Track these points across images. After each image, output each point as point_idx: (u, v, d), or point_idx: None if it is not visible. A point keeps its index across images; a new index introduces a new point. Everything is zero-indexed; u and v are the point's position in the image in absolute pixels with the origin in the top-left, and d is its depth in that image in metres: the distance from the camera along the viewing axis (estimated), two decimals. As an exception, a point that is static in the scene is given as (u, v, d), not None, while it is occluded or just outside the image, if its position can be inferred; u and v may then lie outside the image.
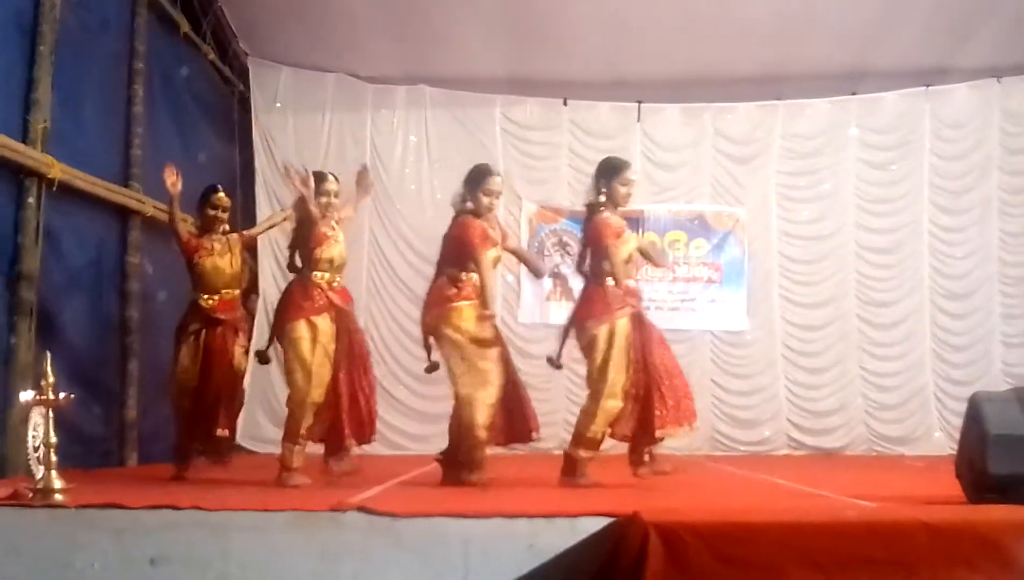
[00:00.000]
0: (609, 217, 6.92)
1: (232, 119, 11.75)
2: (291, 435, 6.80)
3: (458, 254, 6.94)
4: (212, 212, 7.70)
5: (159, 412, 9.51)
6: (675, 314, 11.53)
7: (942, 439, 11.28)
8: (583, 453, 6.78)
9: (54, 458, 4.83)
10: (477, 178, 7.01)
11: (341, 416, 6.86)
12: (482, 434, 6.72)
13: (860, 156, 12.02)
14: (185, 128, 10.43)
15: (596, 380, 6.81)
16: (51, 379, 4.89)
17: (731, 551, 4.06)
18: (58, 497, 4.68)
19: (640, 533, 4.03)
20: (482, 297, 6.87)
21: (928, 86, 11.92)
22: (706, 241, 12.01)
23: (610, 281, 6.84)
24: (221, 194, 7.74)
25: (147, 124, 9.35)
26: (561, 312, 11.77)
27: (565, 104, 12.10)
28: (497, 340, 6.98)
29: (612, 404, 6.73)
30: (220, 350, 7.65)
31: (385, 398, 11.34)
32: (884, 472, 7.48)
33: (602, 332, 6.76)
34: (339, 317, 6.95)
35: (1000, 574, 4.10)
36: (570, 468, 6.79)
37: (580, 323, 6.94)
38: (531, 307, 11.89)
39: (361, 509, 4.36)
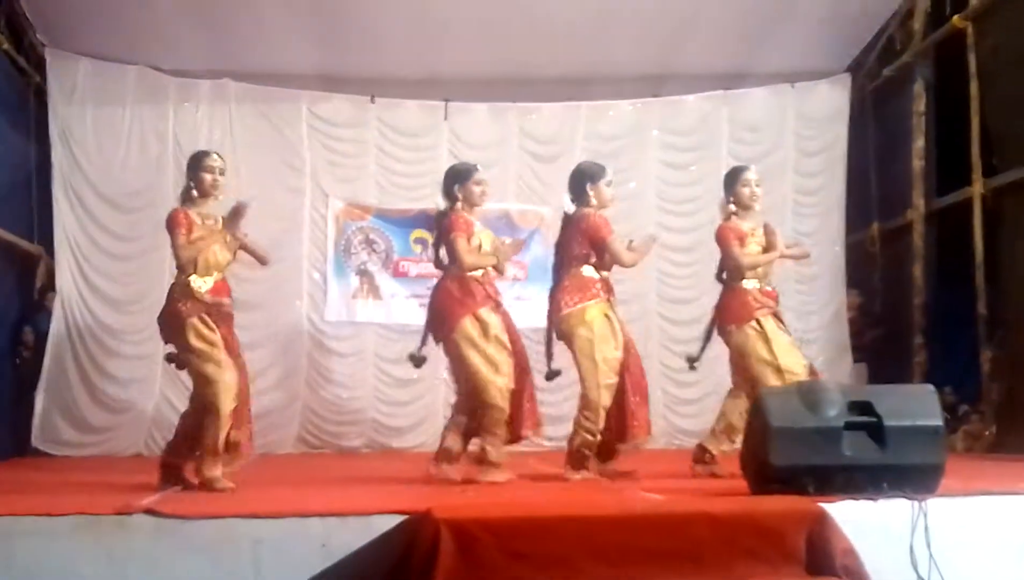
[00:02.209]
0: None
1: (28, 111, 11.32)
2: (492, 427, 6.76)
3: (591, 250, 7.23)
4: (209, 177, 6.69)
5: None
6: (481, 312, 11.51)
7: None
8: None
9: None
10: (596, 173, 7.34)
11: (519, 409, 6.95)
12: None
13: (661, 157, 12.23)
14: (-24, 119, 10.07)
15: None
16: None
17: (522, 546, 4.13)
18: None
19: (432, 530, 4.07)
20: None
21: (726, 90, 12.26)
22: (511, 239, 12.08)
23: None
24: (215, 155, 6.88)
25: (-66, 115, 9.00)
26: (368, 310, 11.80)
27: (373, 101, 12.02)
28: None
29: None
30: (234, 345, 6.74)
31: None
32: (680, 465, 7.70)
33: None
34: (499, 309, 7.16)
35: (781, 562, 4.27)
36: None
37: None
38: (337, 305, 11.81)
39: (148, 511, 4.30)
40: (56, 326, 11.08)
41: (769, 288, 7.41)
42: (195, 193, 6.69)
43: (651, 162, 12.21)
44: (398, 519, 4.28)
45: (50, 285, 11.25)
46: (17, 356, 10.96)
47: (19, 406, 10.82)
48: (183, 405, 11.02)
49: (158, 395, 11.25)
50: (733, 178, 7.54)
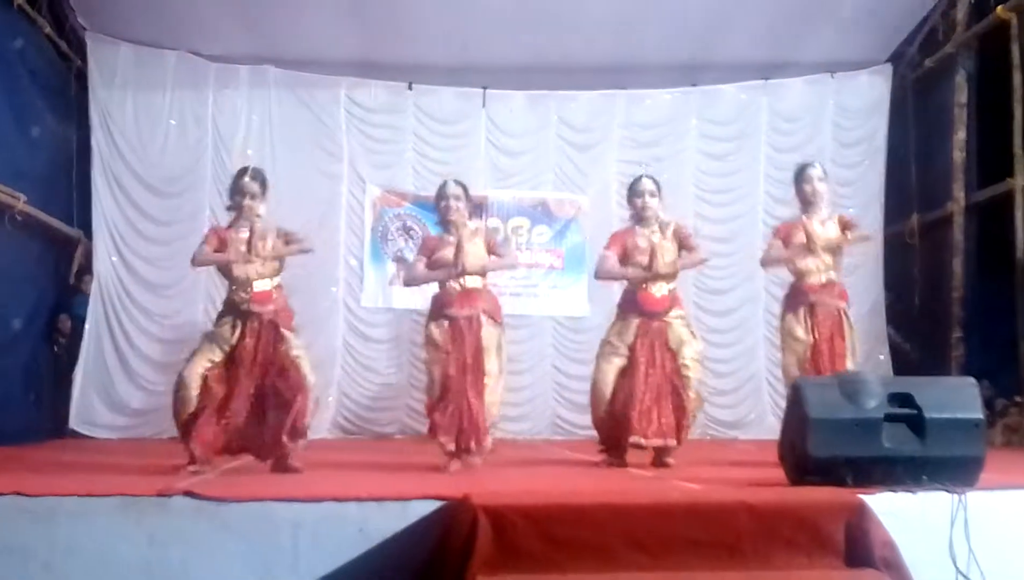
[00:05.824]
0: None
1: (69, 95, 11.40)
2: None
3: None
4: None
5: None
6: (517, 300, 11.44)
7: (775, 423, 11.50)
8: None
9: None
10: None
11: None
12: None
13: (699, 147, 12.22)
14: (18, 102, 10.07)
15: None
16: None
17: (559, 532, 4.13)
18: None
19: (469, 516, 4.07)
20: None
21: (766, 80, 12.21)
22: (548, 228, 12.11)
23: None
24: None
25: (-24, 97, 9.07)
26: (404, 296, 11.84)
27: (410, 88, 12.07)
28: None
29: None
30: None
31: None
32: (715, 455, 7.68)
33: None
34: None
35: (819, 553, 4.25)
36: None
37: None
38: (374, 291, 11.86)
39: (188, 494, 4.32)
40: (94, 308, 11.17)
41: None
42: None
43: (689, 152, 12.20)
44: (435, 505, 4.28)
45: (87, 268, 11.33)
46: (54, 342, 11.04)
47: (57, 388, 10.91)
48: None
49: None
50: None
